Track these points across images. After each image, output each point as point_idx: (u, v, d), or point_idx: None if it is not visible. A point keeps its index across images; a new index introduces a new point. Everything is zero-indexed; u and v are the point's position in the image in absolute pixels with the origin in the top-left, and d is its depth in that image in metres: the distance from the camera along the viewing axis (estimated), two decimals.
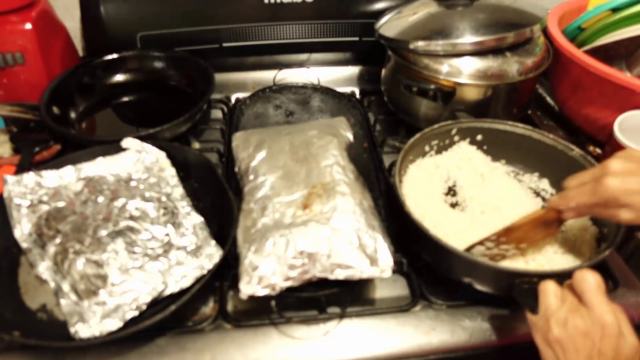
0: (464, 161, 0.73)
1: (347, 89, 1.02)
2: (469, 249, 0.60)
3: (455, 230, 0.64)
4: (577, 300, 0.46)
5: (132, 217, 0.64)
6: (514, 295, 0.53)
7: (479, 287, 0.58)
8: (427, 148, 0.74)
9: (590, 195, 0.51)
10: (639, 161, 0.49)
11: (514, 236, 0.59)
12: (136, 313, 0.55)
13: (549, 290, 0.47)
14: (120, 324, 0.53)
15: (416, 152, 0.74)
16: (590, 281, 0.45)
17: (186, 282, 0.58)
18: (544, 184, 0.73)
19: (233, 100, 0.99)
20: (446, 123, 0.73)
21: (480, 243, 0.59)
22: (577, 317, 0.44)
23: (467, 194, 0.70)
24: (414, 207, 0.65)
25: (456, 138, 0.75)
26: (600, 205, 0.51)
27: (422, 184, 0.70)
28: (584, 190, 0.52)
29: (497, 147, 0.75)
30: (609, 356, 0.42)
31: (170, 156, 0.73)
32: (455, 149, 0.75)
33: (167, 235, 0.63)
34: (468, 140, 0.75)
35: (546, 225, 0.58)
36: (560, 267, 0.57)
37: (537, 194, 0.72)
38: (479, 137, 0.75)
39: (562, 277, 0.52)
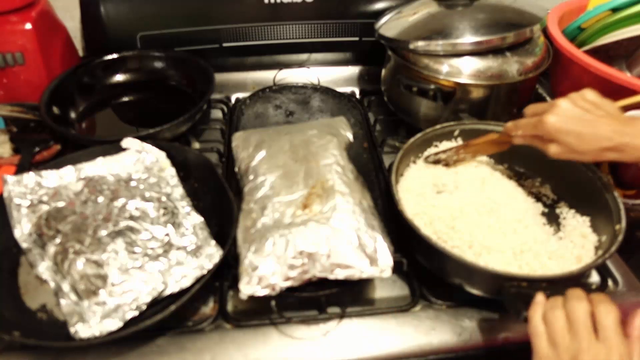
0: (465, 163, 0.73)
1: (347, 89, 1.02)
2: (429, 156, 0.71)
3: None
4: (587, 329, 0.44)
5: (132, 217, 0.64)
6: (502, 299, 0.53)
7: (468, 288, 0.58)
8: (428, 149, 0.74)
9: (533, 127, 0.58)
10: (585, 105, 0.55)
11: (471, 149, 0.70)
12: (136, 313, 0.55)
13: (557, 318, 0.45)
14: (120, 324, 0.53)
15: (417, 153, 0.74)
16: (613, 317, 0.44)
17: (186, 282, 0.58)
18: (546, 190, 0.73)
19: (233, 100, 0.99)
20: (448, 124, 0.73)
21: (443, 152, 0.70)
22: (591, 354, 0.43)
23: (467, 196, 0.69)
24: (411, 206, 0.65)
25: (459, 139, 0.75)
26: (538, 137, 0.58)
27: (421, 185, 0.70)
28: (530, 122, 0.59)
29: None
30: None
31: (170, 156, 0.73)
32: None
33: (167, 235, 0.63)
34: None
35: (499, 144, 0.68)
36: (552, 273, 0.57)
37: (539, 199, 0.72)
38: None
39: (552, 283, 0.52)
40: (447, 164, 0.71)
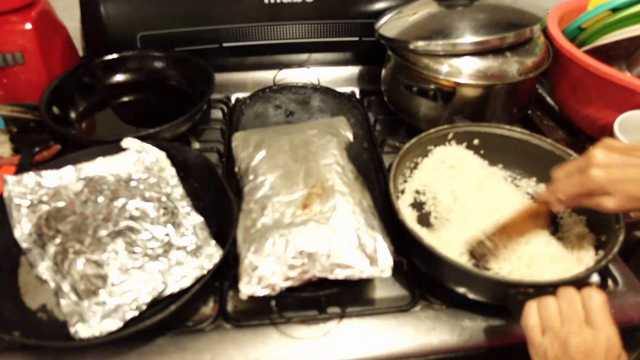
0: (460, 166, 0.73)
1: (347, 89, 1.02)
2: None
3: (449, 235, 0.64)
4: (577, 315, 0.45)
5: (132, 217, 0.64)
6: (508, 307, 0.52)
7: (472, 296, 0.58)
8: (423, 152, 0.74)
9: (577, 186, 0.52)
10: (619, 151, 0.51)
11: (506, 232, 0.60)
12: (136, 313, 0.55)
13: (548, 306, 0.46)
14: (120, 324, 0.53)
15: (412, 157, 0.73)
16: (598, 301, 0.45)
17: (186, 282, 0.58)
18: (542, 189, 0.73)
19: (233, 100, 0.99)
20: (442, 127, 0.73)
21: (476, 246, 0.60)
22: (580, 337, 0.43)
23: (463, 198, 0.69)
24: (408, 213, 0.65)
25: (453, 142, 0.75)
26: (586, 196, 0.52)
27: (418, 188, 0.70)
28: (571, 181, 0.53)
29: (494, 152, 0.75)
30: None
31: (170, 156, 0.73)
32: (452, 153, 0.74)
33: (167, 235, 0.63)
34: (465, 144, 0.75)
35: (537, 218, 0.60)
36: (557, 276, 0.57)
37: (535, 199, 0.72)
38: (475, 142, 0.75)
39: (559, 288, 0.52)
40: (482, 257, 0.61)
